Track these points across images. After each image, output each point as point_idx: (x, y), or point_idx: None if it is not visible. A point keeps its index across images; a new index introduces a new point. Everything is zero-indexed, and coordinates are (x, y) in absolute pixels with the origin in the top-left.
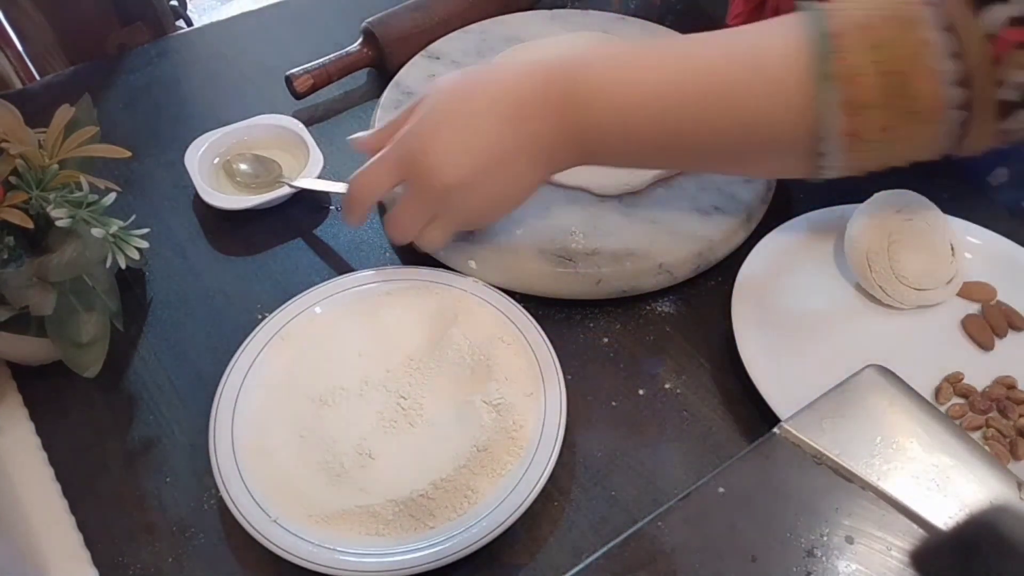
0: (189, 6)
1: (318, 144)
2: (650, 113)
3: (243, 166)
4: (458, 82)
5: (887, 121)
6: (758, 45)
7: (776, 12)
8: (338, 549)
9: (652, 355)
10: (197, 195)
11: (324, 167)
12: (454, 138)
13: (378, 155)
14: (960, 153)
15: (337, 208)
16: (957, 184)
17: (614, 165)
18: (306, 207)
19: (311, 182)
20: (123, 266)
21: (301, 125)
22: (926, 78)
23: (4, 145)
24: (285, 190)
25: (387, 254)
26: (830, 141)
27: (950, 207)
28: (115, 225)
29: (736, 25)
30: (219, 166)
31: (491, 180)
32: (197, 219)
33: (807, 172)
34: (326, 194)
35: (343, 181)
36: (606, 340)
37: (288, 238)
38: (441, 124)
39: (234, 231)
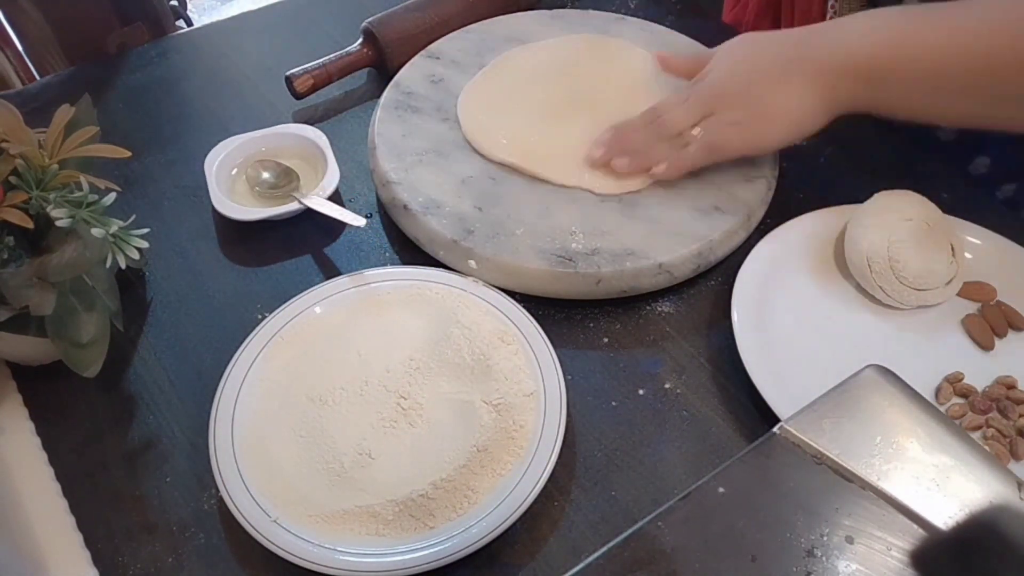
0: (189, 6)
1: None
2: (926, 53)
3: (265, 174)
4: (757, 46)
5: None
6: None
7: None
8: (338, 549)
9: (652, 355)
10: (197, 195)
11: (340, 181)
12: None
13: (682, 96)
14: None
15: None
16: (957, 184)
17: (899, 106)
18: (315, 221)
19: (322, 203)
20: (123, 266)
21: (324, 138)
22: None
23: (4, 145)
24: (296, 206)
25: (387, 254)
26: None
27: (950, 207)
28: (115, 225)
29: (730, 20)
30: (238, 174)
31: (767, 93)
32: (198, 219)
33: None
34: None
35: (351, 195)
36: (606, 340)
37: (290, 243)
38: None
39: (235, 232)
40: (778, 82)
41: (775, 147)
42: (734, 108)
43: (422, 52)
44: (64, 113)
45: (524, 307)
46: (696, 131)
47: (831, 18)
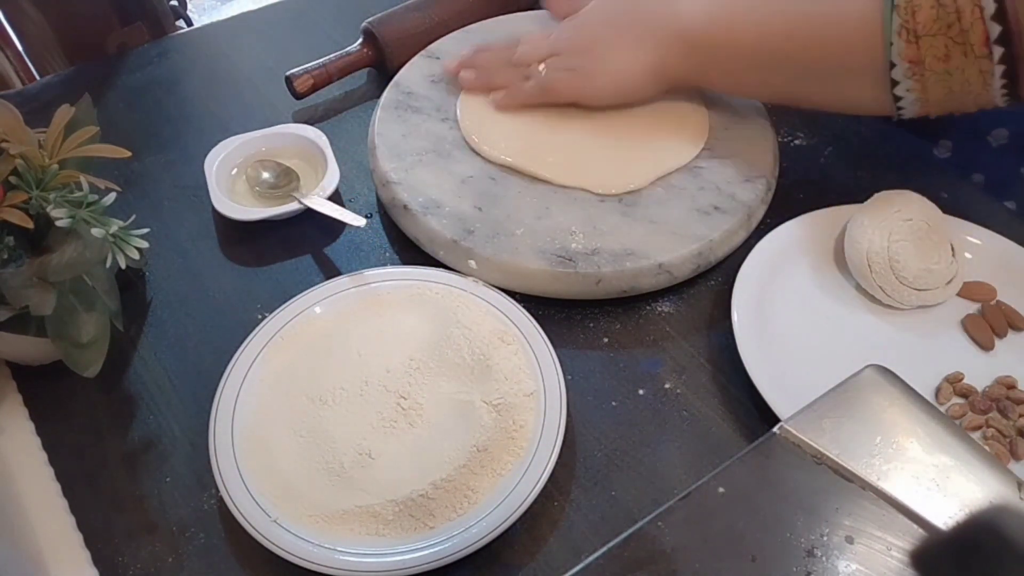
0: (189, 6)
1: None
2: (749, 30)
3: (265, 174)
4: (618, 3)
5: (944, 50)
6: None
7: None
8: (338, 549)
9: (652, 355)
10: (197, 195)
11: (340, 181)
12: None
13: (547, 33)
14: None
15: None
16: (957, 184)
17: (718, 80)
18: (315, 221)
19: (322, 203)
20: (123, 266)
21: (324, 138)
22: (972, 12)
23: (4, 145)
24: (296, 206)
25: (387, 254)
26: (898, 68)
27: (950, 207)
28: (115, 225)
29: None
30: (238, 174)
31: (604, 48)
32: (198, 219)
33: (885, 105)
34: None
35: (351, 195)
36: (606, 340)
37: (290, 243)
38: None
39: (235, 232)
40: (615, 41)
41: (602, 101)
42: (573, 55)
43: (422, 52)
44: (64, 113)
45: (524, 307)
46: (541, 68)
47: None
